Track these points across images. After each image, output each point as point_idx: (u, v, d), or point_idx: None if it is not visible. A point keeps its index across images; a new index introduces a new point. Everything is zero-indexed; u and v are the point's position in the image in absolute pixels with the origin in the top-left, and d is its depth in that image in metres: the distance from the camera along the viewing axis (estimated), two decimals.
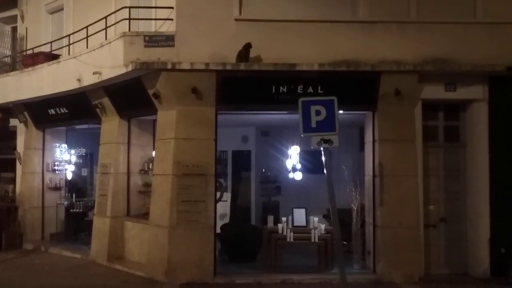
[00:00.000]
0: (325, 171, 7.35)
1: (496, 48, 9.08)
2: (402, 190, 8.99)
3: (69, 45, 11.39)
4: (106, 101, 10.75)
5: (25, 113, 13.03)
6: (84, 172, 13.84)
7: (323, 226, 9.41)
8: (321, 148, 7.20)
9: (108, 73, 9.57)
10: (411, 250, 8.93)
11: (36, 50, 12.47)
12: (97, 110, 10.99)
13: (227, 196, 11.85)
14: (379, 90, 9.00)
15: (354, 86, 8.99)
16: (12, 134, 14.01)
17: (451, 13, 9.29)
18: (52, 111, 12.26)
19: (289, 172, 11.94)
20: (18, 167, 13.61)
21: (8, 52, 14.59)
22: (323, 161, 7.32)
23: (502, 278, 8.90)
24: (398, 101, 8.99)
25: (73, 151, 13.08)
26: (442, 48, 9.02)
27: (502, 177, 9.25)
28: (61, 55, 11.84)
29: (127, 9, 9.67)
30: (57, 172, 13.20)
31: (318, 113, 7.16)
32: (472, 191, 9.46)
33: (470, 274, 9.34)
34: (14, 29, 14.61)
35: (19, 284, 8.98)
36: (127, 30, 9.39)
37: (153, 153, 10.33)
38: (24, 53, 13.18)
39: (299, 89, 8.95)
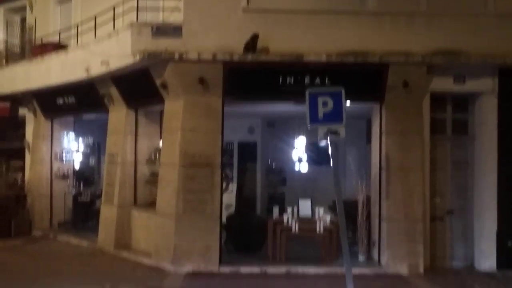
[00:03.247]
0: (331, 162, 7.34)
1: (506, 40, 8.96)
2: (409, 183, 8.96)
3: (77, 35, 11.43)
4: (113, 91, 10.80)
5: (34, 102, 13.13)
6: (92, 161, 13.93)
7: (328, 218, 9.42)
8: (328, 140, 7.20)
9: (116, 63, 9.60)
10: (416, 243, 8.91)
11: (44, 40, 12.54)
12: (105, 100, 11.04)
13: (233, 186, 11.88)
14: (387, 82, 8.94)
15: (361, 78, 8.93)
16: (21, 123, 14.16)
17: (461, 4, 9.14)
18: (60, 101, 12.33)
19: (295, 163, 11.96)
20: (27, 155, 13.75)
21: (17, 42, 14.66)
22: (330, 152, 7.31)
23: (509, 271, 8.88)
24: (406, 93, 8.94)
25: (81, 141, 13.19)
26: (451, 39, 8.92)
27: (511, 170, 9.19)
28: (69, 45, 11.88)
29: None
30: (65, 161, 13.31)
31: (325, 104, 7.13)
32: (479, 184, 9.41)
33: (476, 268, 9.32)
34: (23, 19, 14.69)
35: (27, 270, 9.09)
36: (135, 20, 9.39)
37: (160, 143, 10.37)
38: (33, 42, 13.25)
39: (307, 80, 8.92)
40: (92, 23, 10.60)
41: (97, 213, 11.53)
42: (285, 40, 8.84)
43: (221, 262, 9.00)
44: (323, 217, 9.38)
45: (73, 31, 11.67)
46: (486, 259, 9.20)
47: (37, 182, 13.07)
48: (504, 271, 8.93)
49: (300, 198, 9.86)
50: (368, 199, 9.59)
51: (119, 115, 11.02)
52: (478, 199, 9.42)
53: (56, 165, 13.24)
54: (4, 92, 13.07)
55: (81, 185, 12.89)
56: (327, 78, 8.88)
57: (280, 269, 8.92)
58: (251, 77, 9.00)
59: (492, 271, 9.02)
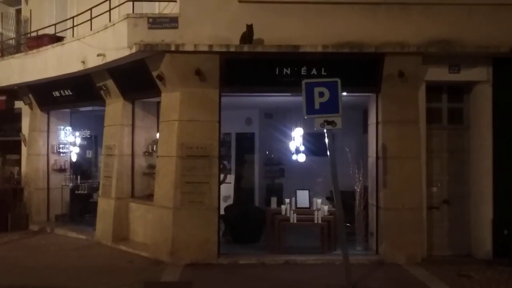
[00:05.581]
0: (328, 153, 7.38)
1: (500, 29, 8.97)
2: (405, 172, 9.01)
3: (73, 27, 11.38)
4: (110, 83, 10.78)
5: (30, 95, 13.08)
6: (89, 154, 13.93)
7: (326, 208, 9.47)
8: (325, 130, 7.24)
9: (112, 55, 9.58)
10: (413, 232, 8.98)
11: (40, 33, 12.48)
12: (102, 92, 11.02)
13: (231, 178, 11.91)
14: (383, 72, 8.95)
15: (357, 68, 8.95)
16: (17, 116, 14.09)
17: None
18: (56, 93, 12.30)
19: (293, 154, 12.00)
20: (23, 149, 13.71)
21: (13, 35, 14.59)
22: (327, 143, 7.36)
23: (505, 259, 8.92)
24: (401, 83, 8.96)
25: (77, 133, 13.17)
26: (446, 29, 8.93)
27: (506, 159, 9.23)
28: (65, 37, 11.84)
29: None
30: (62, 154, 13.29)
31: (321, 94, 7.18)
32: (475, 173, 9.47)
33: (473, 256, 9.39)
34: (18, 11, 14.57)
35: (25, 264, 9.09)
36: (131, 12, 9.37)
37: (157, 135, 10.38)
38: (29, 35, 13.19)
39: (303, 71, 8.92)
40: (88, 15, 10.56)
41: (94, 206, 11.52)
42: (281, 31, 8.82)
43: (219, 253, 9.04)
44: (321, 208, 9.43)
45: (69, 23, 11.62)
46: (483, 247, 9.27)
47: (34, 175, 13.05)
48: (500, 259, 8.99)
49: (298, 188, 9.90)
50: (365, 189, 9.65)
51: (116, 107, 11.01)
52: (474, 188, 9.48)
53: (53, 158, 13.24)
54: None
55: (78, 178, 12.86)
56: (323, 69, 8.89)
57: (279, 259, 8.97)
58: (248, 68, 9.00)
59: (489, 259, 9.07)
